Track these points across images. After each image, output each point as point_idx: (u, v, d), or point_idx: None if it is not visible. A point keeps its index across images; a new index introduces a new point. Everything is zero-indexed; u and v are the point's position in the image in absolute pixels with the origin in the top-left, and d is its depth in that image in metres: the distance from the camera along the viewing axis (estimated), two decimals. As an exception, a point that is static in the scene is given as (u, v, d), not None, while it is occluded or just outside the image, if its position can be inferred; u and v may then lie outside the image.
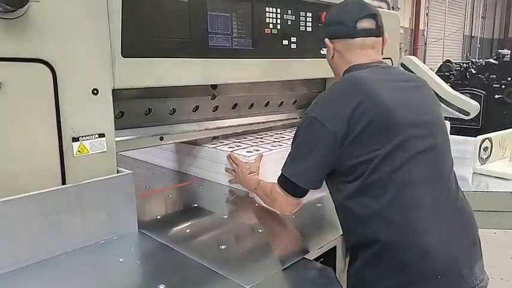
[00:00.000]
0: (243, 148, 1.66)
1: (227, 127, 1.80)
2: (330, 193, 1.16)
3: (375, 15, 1.16)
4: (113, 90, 1.20)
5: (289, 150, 1.15)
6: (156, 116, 1.54)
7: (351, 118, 1.01)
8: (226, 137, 1.85)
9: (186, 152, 1.80)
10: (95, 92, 1.16)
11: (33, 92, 1.04)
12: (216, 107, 1.75)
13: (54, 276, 0.99)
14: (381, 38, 1.19)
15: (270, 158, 1.55)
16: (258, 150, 1.60)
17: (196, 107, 1.67)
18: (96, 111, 1.17)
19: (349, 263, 1.12)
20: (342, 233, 1.17)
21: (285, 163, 1.15)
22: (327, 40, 1.21)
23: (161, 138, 1.57)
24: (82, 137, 1.15)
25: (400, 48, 2.68)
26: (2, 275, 0.97)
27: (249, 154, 1.55)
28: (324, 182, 1.15)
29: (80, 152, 1.15)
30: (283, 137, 1.90)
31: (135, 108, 1.47)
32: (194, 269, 1.01)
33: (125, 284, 0.99)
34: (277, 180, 1.17)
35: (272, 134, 1.99)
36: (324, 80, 2.18)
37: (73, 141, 1.13)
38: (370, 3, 1.25)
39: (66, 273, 1.00)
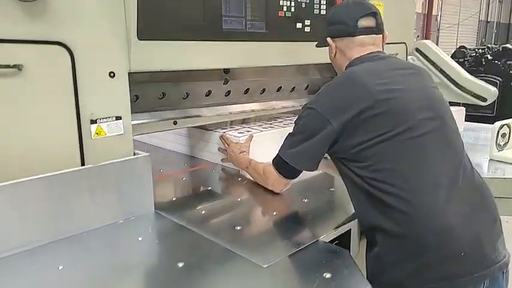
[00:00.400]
0: (235, 130, 1.72)
1: (239, 112, 1.81)
2: (343, 179, 1.18)
3: (374, 14, 1.21)
4: (129, 73, 1.20)
5: (286, 136, 1.21)
6: (170, 100, 1.55)
7: (349, 110, 1.06)
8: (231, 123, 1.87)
9: (198, 137, 1.82)
10: (112, 74, 1.17)
11: (52, 75, 1.06)
12: (228, 92, 1.75)
13: (77, 253, 1.02)
14: (381, 35, 1.24)
15: (259, 139, 1.62)
16: (249, 132, 1.68)
17: (209, 92, 1.67)
18: (113, 94, 1.18)
19: (367, 246, 1.12)
20: (355, 216, 1.18)
21: (282, 146, 1.21)
22: (329, 39, 1.27)
23: (175, 123, 1.59)
24: (100, 119, 1.16)
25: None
26: (25, 251, 1.00)
27: (240, 135, 1.62)
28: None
29: (97, 134, 1.17)
30: (275, 119, 1.96)
31: (149, 92, 1.48)
32: (211, 248, 1.03)
33: (145, 262, 1.02)
34: (272, 161, 1.27)
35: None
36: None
37: (91, 124, 1.15)
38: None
39: (88, 250, 1.04)
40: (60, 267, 0.94)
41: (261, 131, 1.71)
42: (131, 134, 1.24)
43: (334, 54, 1.27)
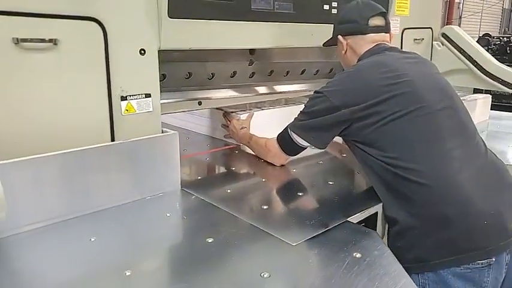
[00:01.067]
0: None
1: (262, 94, 1.80)
2: (358, 161, 1.22)
3: (384, 13, 1.30)
4: (159, 51, 1.21)
5: (295, 116, 1.27)
6: (196, 80, 1.56)
7: (358, 102, 1.11)
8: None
9: (221, 119, 1.82)
10: (142, 52, 1.17)
11: (86, 50, 1.06)
12: (253, 73, 1.74)
13: (107, 227, 1.04)
14: (389, 34, 1.32)
15: (259, 116, 1.71)
16: (250, 110, 1.74)
17: (234, 73, 1.67)
18: (143, 71, 1.19)
19: (389, 224, 1.13)
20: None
21: (291, 123, 1.28)
22: (340, 37, 1.34)
23: (199, 103, 1.60)
24: (130, 96, 1.17)
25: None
26: (57, 223, 1.03)
27: (241, 112, 1.69)
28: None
29: (127, 110, 1.18)
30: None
31: (176, 72, 1.48)
32: (239, 225, 1.04)
33: (174, 236, 1.04)
34: (278, 135, 1.35)
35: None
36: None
37: (121, 100, 1.16)
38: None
39: (118, 224, 1.06)
40: (92, 239, 0.97)
41: (262, 109, 1.77)
42: (160, 112, 1.25)
43: (345, 51, 1.33)
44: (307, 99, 1.27)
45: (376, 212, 1.16)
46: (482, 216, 0.99)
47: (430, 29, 2.33)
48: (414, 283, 0.99)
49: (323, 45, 1.47)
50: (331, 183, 1.33)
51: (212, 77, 1.60)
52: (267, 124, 1.66)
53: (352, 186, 1.34)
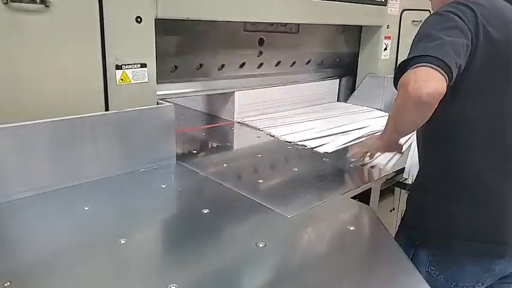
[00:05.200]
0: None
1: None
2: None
3: None
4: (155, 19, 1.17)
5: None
6: (206, 71, 1.56)
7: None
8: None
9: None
10: (139, 20, 1.14)
11: (79, 15, 1.03)
12: (261, 64, 1.74)
13: (101, 197, 1.03)
14: None
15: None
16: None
17: (243, 64, 1.67)
18: (138, 40, 1.15)
19: (414, 198, 1.08)
20: (376, 176, 1.18)
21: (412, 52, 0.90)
22: None
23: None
24: (125, 65, 1.14)
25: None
26: (50, 192, 1.01)
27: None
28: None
29: (122, 80, 1.15)
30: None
31: (188, 63, 1.48)
32: (235, 198, 1.04)
33: (169, 207, 1.03)
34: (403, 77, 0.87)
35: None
36: (359, 28, 2.09)
37: (116, 69, 1.13)
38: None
39: (112, 194, 1.05)
40: (86, 208, 0.96)
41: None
42: (155, 83, 1.22)
43: None
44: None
45: (370, 188, 1.17)
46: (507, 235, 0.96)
47: (428, 12, 2.31)
48: (422, 253, 0.97)
49: None
50: (326, 159, 1.33)
51: (222, 67, 1.58)
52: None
53: (346, 163, 1.34)
